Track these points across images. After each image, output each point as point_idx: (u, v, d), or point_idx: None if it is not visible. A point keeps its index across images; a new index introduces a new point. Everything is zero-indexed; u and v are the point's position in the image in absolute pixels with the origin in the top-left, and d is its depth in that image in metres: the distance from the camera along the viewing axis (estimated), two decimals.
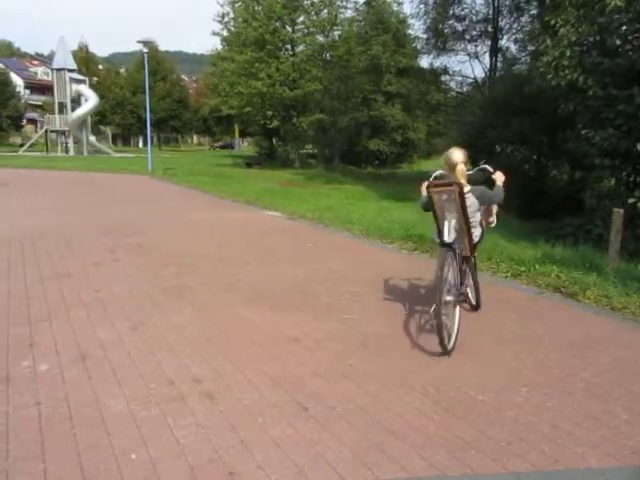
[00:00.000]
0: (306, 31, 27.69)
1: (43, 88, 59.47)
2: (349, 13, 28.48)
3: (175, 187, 16.26)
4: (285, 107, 27.56)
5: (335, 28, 27.87)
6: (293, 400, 2.91)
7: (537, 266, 5.84)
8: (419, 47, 25.03)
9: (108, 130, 55.33)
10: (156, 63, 49.11)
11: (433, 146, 32.71)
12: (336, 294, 4.98)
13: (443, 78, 24.64)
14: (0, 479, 2.19)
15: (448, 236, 3.83)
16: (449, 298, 3.70)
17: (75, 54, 45.59)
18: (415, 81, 26.09)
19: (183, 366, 3.30)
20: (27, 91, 61.61)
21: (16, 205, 11.04)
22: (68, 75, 37.37)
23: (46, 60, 69.20)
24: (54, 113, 38.68)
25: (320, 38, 27.93)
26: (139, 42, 21.87)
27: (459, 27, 22.45)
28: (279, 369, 3.30)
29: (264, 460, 2.36)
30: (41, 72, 65.89)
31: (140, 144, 59.35)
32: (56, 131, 38.85)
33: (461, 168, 4.03)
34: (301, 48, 27.82)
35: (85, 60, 53.38)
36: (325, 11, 27.41)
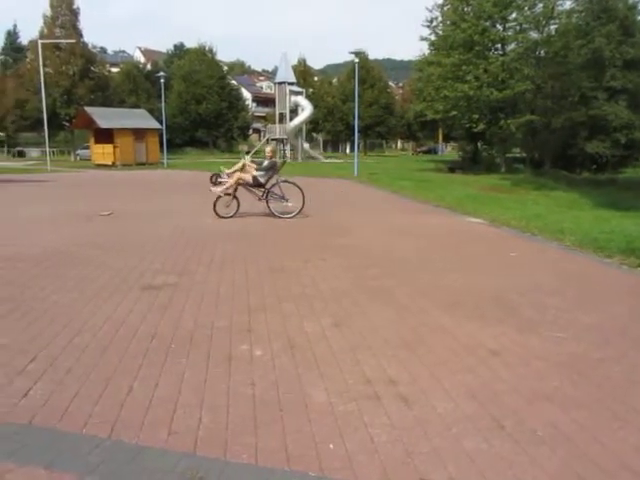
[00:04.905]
0: (518, 28, 26.21)
1: (267, 100, 66.61)
2: (567, 5, 26.20)
3: (378, 191, 16.77)
4: (492, 109, 26.46)
5: (551, 22, 25.87)
6: (489, 415, 2.80)
7: None
8: None
9: (320, 137, 59.40)
10: (365, 72, 51.17)
11: None
12: (540, 308, 4.64)
13: None
14: (220, 446, 2.51)
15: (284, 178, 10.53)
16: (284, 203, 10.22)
17: (294, 68, 49.97)
18: None
19: (380, 366, 3.41)
20: (254, 104, 69.62)
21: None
22: (288, 88, 41.24)
23: (270, 75, 77.28)
24: (275, 123, 43.00)
25: (533, 34, 26.19)
26: (351, 53, 23.30)
27: None
28: (476, 381, 3.21)
29: (456, 472, 2.32)
30: (265, 86, 74.06)
31: (347, 150, 62.54)
32: (276, 139, 43.04)
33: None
34: (512, 46, 26.42)
35: (303, 73, 58.20)
36: (540, 5, 25.62)
